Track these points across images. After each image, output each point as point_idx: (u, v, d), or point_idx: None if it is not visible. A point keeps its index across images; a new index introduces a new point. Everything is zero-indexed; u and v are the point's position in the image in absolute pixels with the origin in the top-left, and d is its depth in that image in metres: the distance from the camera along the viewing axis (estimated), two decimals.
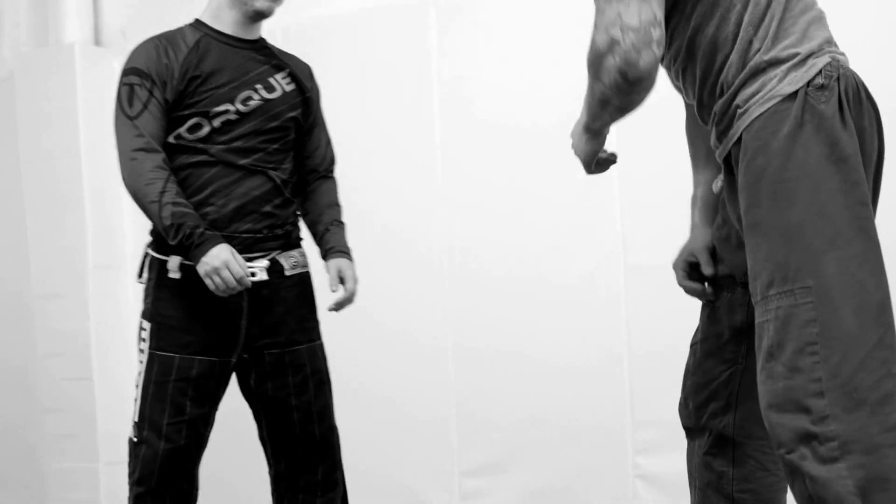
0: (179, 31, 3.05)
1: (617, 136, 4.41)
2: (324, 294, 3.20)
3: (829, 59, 2.10)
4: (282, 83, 3.05)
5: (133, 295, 5.46)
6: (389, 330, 4.90)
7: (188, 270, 2.90)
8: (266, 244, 3.00)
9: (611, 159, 2.43)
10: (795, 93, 2.07)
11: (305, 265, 3.12)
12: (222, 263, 2.78)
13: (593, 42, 2.08)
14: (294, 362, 3.06)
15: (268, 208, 2.99)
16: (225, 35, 3.01)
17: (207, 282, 2.81)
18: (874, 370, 1.98)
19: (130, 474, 2.98)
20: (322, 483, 3.12)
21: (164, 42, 2.98)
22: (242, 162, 2.94)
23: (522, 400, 4.65)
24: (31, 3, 5.91)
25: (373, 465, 4.83)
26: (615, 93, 2.08)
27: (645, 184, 4.45)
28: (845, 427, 1.97)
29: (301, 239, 3.15)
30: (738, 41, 2.14)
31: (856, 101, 2.10)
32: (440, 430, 4.80)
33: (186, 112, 2.91)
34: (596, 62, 2.08)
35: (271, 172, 3.00)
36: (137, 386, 2.95)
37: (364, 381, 4.88)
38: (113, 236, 5.60)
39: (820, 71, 2.08)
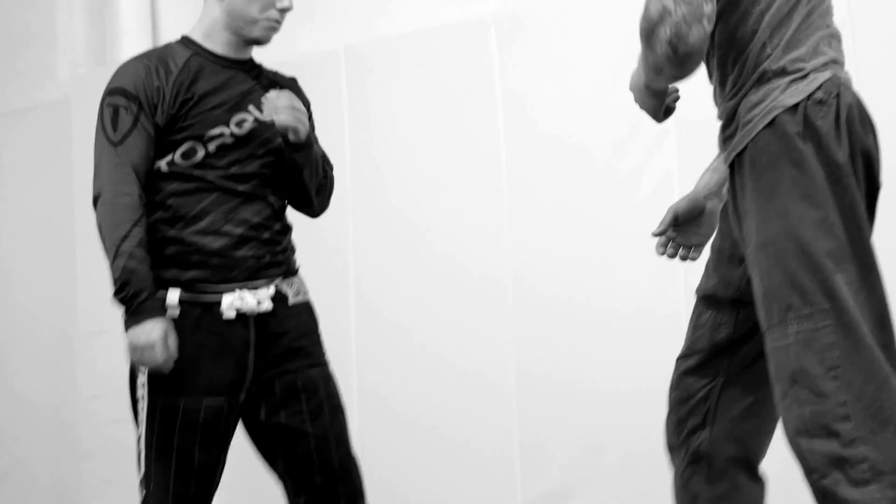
0: (168, 48, 2.94)
1: (678, 157, 4.36)
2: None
3: (831, 75, 2.17)
4: None
5: None
6: (451, 355, 4.79)
7: (187, 305, 2.77)
8: (269, 271, 2.87)
9: (677, 98, 2.46)
10: (796, 105, 2.14)
11: (307, 292, 3.00)
12: (147, 343, 2.66)
13: (647, 9, 2.13)
14: (307, 387, 2.90)
15: (267, 235, 2.87)
16: (216, 55, 2.89)
17: (129, 353, 2.71)
18: (895, 384, 2.05)
19: None
20: None
21: (153, 61, 2.85)
22: (241, 188, 2.82)
23: (586, 427, 4.55)
24: (88, 23, 5.86)
25: (435, 495, 4.72)
26: (666, 63, 2.13)
27: None
28: (874, 448, 2.02)
29: (298, 267, 3.02)
30: (755, 40, 2.20)
31: (860, 119, 2.17)
32: (503, 458, 4.68)
33: (179, 136, 2.79)
34: (648, 31, 2.13)
35: (270, 198, 2.90)
36: (140, 438, 2.78)
37: (424, 408, 4.78)
38: None
39: (820, 86, 2.16)
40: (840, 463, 2.04)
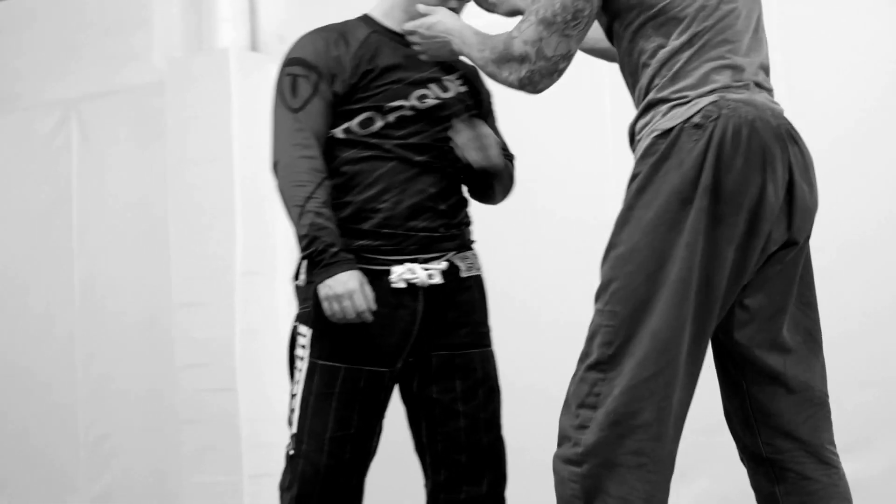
0: (347, 24, 2.93)
1: None
2: (494, 300, 3.07)
3: (715, 99, 2.26)
4: (455, 84, 2.93)
5: (285, 302, 5.38)
6: (567, 334, 4.75)
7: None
8: (442, 244, 2.84)
9: None
10: (671, 129, 2.26)
11: (479, 268, 2.96)
12: (346, 292, 2.64)
13: (512, 41, 2.37)
14: (464, 366, 2.86)
15: (443, 206, 2.84)
16: (396, 34, 2.88)
17: (324, 305, 2.67)
18: (643, 398, 2.22)
19: (286, 489, 2.80)
20: (486, 496, 2.89)
21: (333, 34, 2.87)
22: (419, 158, 2.80)
23: (706, 404, 4.48)
24: (184, 8, 5.91)
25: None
26: (504, 83, 2.42)
27: None
28: (596, 440, 2.24)
29: (473, 241, 2.98)
30: (646, 73, 2.34)
31: (745, 143, 2.24)
32: None
33: (357, 106, 2.79)
34: (505, 57, 2.39)
35: (448, 169, 2.87)
36: (294, 395, 2.77)
37: (544, 385, 4.73)
38: (264, 242, 5.53)
39: (700, 110, 2.25)
40: (566, 439, 2.31)
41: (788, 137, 2.34)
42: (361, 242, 2.76)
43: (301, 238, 2.70)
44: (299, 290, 2.83)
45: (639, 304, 2.25)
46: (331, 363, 2.73)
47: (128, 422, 5.94)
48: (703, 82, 2.30)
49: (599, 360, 2.28)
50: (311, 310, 2.77)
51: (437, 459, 2.88)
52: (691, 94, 2.29)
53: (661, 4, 2.33)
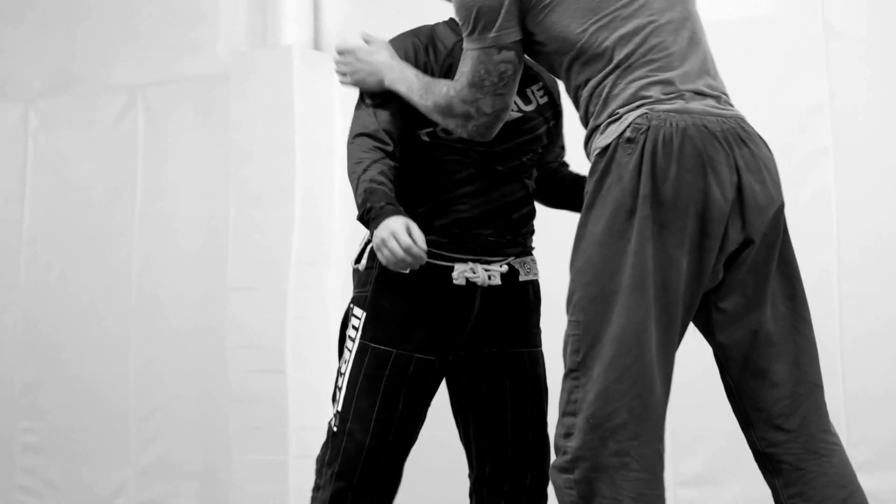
0: (435, 29, 2.94)
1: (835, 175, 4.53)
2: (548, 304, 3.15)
3: (644, 112, 2.37)
4: (536, 95, 2.95)
5: (336, 291, 5.62)
6: None
7: (424, 265, 2.74)
8: (506, 249, 2.90)
9: None
10: (608, 146, 2.38)
11: (537, 273, 3.01)
12: (389, 234, 2.59)
13: (451, 99, 2.58)
14: (514, 364, 2.92)
15: (516, 215, 2.91)
16: None
17: (379, 256, 2.64)
18: (615, 400, 2.33)
19: (326, 463, 2.85)
20: (530, 490, 2.91)
21: (422, 39, 2.89)
22: (500, 168, 2.85)
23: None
24: (249, 4, 6.09)
25: None
26: (452, 132, 2.64)
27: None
28: (580, 445, 2.36)
29: (534, 248, 3.04)
30: (583, 105, 2.49)
31: (678, 150, 2.34)
32: None
33: None
34: (449, 112, 2.61)
35: (526, 180, 2.94)
36: (342, 374, 2.83)
37: None
38: (320, 234, 5.73)
39: (629, 124, 2.36)
40: (558, 449, 2.43)
41: (735, 139, 2.41)
42: (431, 237, 2.79)
43: (359, 207, 2.72)
44: (358, 275, 2.90)
45: (598, 311, 2.37)
46: (383, 347, 2.79)
47: (179, 399, 6.13)
48: (632, 99, 2.40)
49: (572, 369, 2.40)
50: (368, 294, 2.84)
51: (483, 453, 2.93)
52: (622, 111, 2.40)
53: (580, 44, 2.45)
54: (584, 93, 2.48)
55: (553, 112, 3.02)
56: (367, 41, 2.84)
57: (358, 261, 2.89)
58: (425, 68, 2.83)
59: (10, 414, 6.58)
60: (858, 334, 4.70)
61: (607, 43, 2.43)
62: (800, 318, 2.53)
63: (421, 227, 2.69)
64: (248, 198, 5.75)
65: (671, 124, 2.36)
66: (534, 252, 3.02)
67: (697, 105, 2.42)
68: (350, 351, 2.83)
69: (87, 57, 6.69)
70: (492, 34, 2.50)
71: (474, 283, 2.83)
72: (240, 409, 5.65)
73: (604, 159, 2.39)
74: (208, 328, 6.02)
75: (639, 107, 2.39)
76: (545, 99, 2.96)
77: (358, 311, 2.83)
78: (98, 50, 6.65)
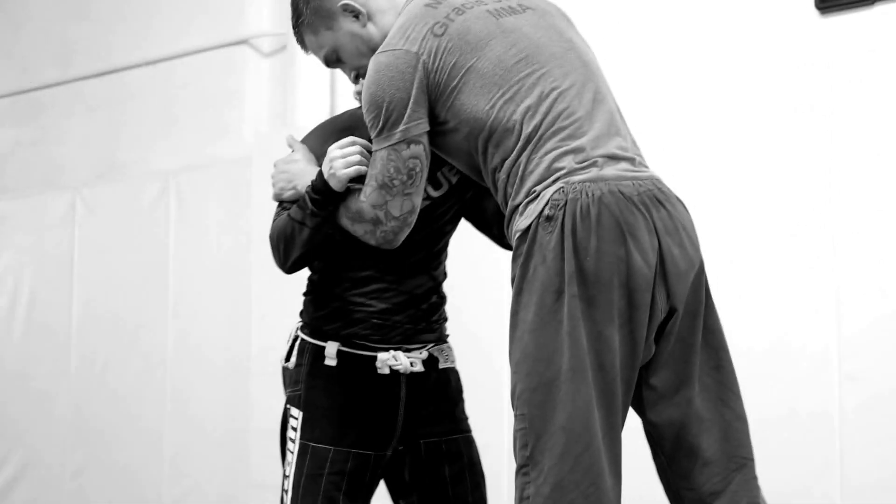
0: (354, 114, 2.91)
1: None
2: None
3: (561, 187, 2.30)
4: (448, 176, 2.90)
5: None
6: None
7: (345, 358, 2.82)
8: (423, 336, 2.90)
9: None
10: (528, 228, 2.32)
11: (454, 361, 3.01)
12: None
13: (361, 205, 2.53)
14: (451, 452, 2.93)
15: (425, 305, 2.90)
16: None
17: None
18: (570, 491, 2.24)
19: None
20: None
21: (338, 127, 2.89)
22: (410, 259, 2.85)
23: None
24: (271, 84, 6.17)
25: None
26: (360, 238, 2.58)
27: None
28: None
29: (448, 335, 3.03)
30: (501, 188, 2.42)
31: (596, 221, 2.28)
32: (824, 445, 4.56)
33: None
34: (357, 218, 2.55)
35: (434, 271, 2.93)
36: (287, 476, 2.85)
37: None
38: None
39: (547, 202, 2.30)
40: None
41: (652, 202, 2.35)
42: (352, 329, 2.83)
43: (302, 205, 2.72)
44: (289, 373, 2.92)
45: (541, 401, 2.29)
46: (321, 445, 2.81)
47: (207, 484, 6.24)
48: (546, 174, 2.34)
49: (522, 464, 2.32)
50: (301, 393, 2.86)
51: None
52: (539, 188, 2.33)
53: (490, 121, 2.40)
54: (502, 175, 2.42)
55: (465, 192, 2.96)
56: (290, 146, 2.79)
57: (287, 359, 2.91)
58: None
59: (59, 499, 6.75)
60: None
61: (515, 116, 2.39)
62: (727, 390, 2.45)
63: (341, 320, 2.82)
64: (270, 272, 5.70)
65: (587, 195, 2.30)
66: (449, 340, 3.03)
67: (611, 170, 2.36)
68: (292, 453, 2.85)
69: (130, 144, 6.91)
70: (400, 128, 2.44)
71: (398, 372, 2.85)
72: (262, 440, 5.64)
73: (526, 241, 2.34)
74: (237, 387, 6.11)
75: (554, 181, 2.33)
76: (456, 177, 2.91)
77: (295, 412, 2.86)
78: (139, 136, 6.88)
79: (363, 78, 2.59)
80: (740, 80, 4.69)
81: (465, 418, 3.00)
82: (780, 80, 4.58)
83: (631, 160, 2.42)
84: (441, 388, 2.95)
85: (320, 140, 2.80)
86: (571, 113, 2.40)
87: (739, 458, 2.42)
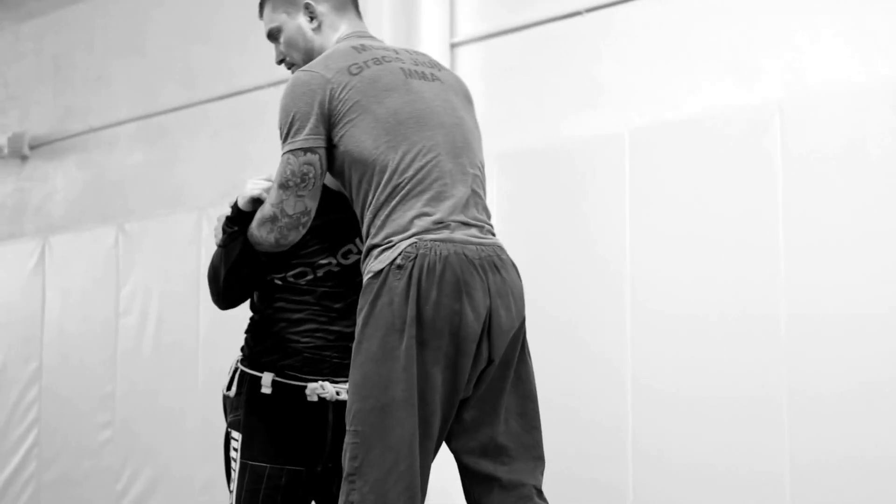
0: None
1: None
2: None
3: (414, 241, 2.65)
4: (357, 244, 3.20)
5: None
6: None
7: (278, 386, 3.12)
8: (349, 370, 3.19)
9: None
10: (381, 271, 2.66)
11: None
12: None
13: (264, 206, 2.86)
14: None
15: (350, 343, 3.11)
16: (330, 190, 3.11)
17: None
18: (391, 501, 2.61)
19: None
20: None
21: None
22: (337, 306, 3.14)
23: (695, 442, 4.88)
24: None
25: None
26: (265, 244, 2.88)
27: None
28: None
29: None
30: (364, 223, 2.77)
31: (439, 276, 2.64)
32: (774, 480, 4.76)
33: (294, 260, 3.12)
34: (262, 219, 2.85)
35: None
36: (231, 492, 3.18)
37: (697, 436, 4.94)
38: None
39: (400, 253, 2.65)
40: None
41: (490, 266, 2.73)
42: (287, 362, 3.14)
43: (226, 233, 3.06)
44: (230, 400, 3.21)
45: (374, 422, 2.65)
46: (258, 463, 3.12)
47: None
48: (405, 228, 2.69)
49: (350, 473, 2.68)
50: (240, 417, 3.17)
51: None
52: (395, 238, 2.68)
53: (369, 160, 2.73)
54: (368, 213, 2.76)
55: None
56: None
57: (228, 388, 3.22)
58: None
59: None
60: None
61: (392, 164, 2.73)
62: (528, 435, 2.85)
63: (276, 353, 3.14)
64: None
65: (436, 252, 2.66)
66: None
67: (461, 234, 2.72)
68: (235, 471, 3.17)
69: (252, 163, 6.97)
70: (300, 137, 2.77)
71: (325, 399, 3.14)
72: None
73: (377, 282, 2.68)
74: None
75: (410, 236, 2.68)
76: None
77: (235, 434, 3.18)
78: (261, 156, 6.91)
79: (285, 64, 3.08)
80: None
81: None
82: None
83: (480, 227, 2.78)
84: None
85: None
86: (439, 178, 2.75)
87: (530, 486, 2.82)
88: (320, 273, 3.15)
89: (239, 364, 3.22)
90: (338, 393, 3.15)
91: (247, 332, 3.22)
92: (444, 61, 5.72)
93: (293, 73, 2.96)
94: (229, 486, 3.20)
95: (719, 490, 4.84)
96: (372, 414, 2.65)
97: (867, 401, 4.49)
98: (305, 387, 3.14)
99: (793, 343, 4.70)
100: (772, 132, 4.82)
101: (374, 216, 2.74)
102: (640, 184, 5.20)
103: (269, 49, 7.41)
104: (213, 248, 7.31)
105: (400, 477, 2.63)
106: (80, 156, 8.24)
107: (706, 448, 4.89)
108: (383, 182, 2.73)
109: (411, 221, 2.70)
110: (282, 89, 6.80)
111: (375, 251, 2.72)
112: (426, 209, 2.72)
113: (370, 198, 2.75)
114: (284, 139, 2.82)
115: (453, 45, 5.98)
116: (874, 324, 4.51)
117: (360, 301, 2.74)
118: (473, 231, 2.76)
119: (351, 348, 3.08)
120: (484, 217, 2.83)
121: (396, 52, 2.92)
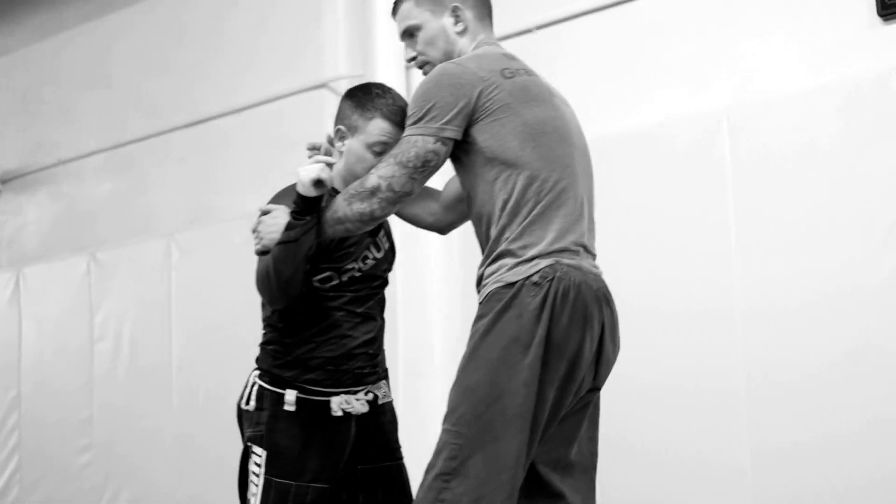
0: None
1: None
2: None
3: (552, 262, 2.68)
4: (382, 242, 3.32)
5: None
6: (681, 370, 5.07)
7: (302, 403, 3.15)
8: (368, 379, 3.26)
9: None
10: (514, 283, 2.67)
11: (390, 394, 3.39)
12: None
13: (368, 177, 2.79)
14: (385, 478, 3.29)
15: (372, 350, 3.27)
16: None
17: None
18: None
19: None
20: None
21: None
22: (360, 310, 3.22)
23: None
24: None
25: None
26: (354, 219, 2.81)
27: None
28: None
29: (387, 369, 3.39)
30: (498, 224, 2.74)
31: (571, 303, 2.66)
32: (735, 467, 4.88)
33: (323, 265, 3.14)
34: (359, 192, 2.78)
35: (378, 318, 3.32)
36: (254, 495, 3.16)
37: (656, 424, 5.02)
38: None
39: (538, 271, 2.66)
40: None
41: (604, 300, 2.78)
42: (310, 376, 3.17)
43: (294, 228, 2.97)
44: (249, 415, 3.24)
45: (482, 429, 2.65)
46: (283, 481, 3.13)
47: None
48: (545, 245, 2.70)
49: (445, 472, 2.66)
50: (263, 433, 3.18)
51: None
52: (533, 253, 2.70)
53: (514, 159, 2.73)
54: (503, 214, 2.74)
55: (393, 254, 3.40)
56: (265, 212, 3.09)
57: (247, 402, 3.25)
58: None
59: None
60: None
61: (537, 172, 2.74)
62: (591, 457, 2.92)
63: (298, 368, 3.18)
64: None
65: (570, 279, 2.68)
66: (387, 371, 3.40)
67: (586, 263, 2.77)
68: (256, 486, 3.17)
69: (219, 189, 7.20)
70: (437, 125, 2.74)
71: (349, 413, 3.19)
72: None
73: (509, 293, 2.68)
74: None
75: (549, 255, 2.69)
76: (387, 244, 3.36)
77: (258, 450, 3.18)
78: (228, 181, 7.15)
79: (416, 62, 3.01)
80: None
81: (399, 447, 3.37)
82: None
83: (594, 257, 2.86)
84: (380, 421, 3.30)
85: (291, 197, 3.05)
86: (574, 197, 2.79)
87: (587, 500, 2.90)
88: (345, 278, 3.18)
89: (258, 380, 3.21)
90: (362, 406, 3.20)
91: (266, 343, 3.23)
92: (399, 81, 5.89)
93: (425, 71, 2.97)
94: (248, 500, 3.19)
95: (682, 476, 4.97)
96: (481, 420, 2.65)
97: (819, 386, 4.64)
98: (328, 401, 3.17)
99: (748, 335, 4.83)
100: (721, 138, 4.96)
101: (511, 219, 2.72)
102: (598, 191, 5.33)
103: (230, 77, 7.50)
104: (185, 273, 7.36)
105: (500, 487, 2.63)
106: (50, 188, 8.39)
107: (669, 436, 5.02)
108: (526, 187, 2.72)
109: (552, 240, 2.72)
110: (244, 116, 7.05)
111: (509, 260, 2.72)
112: (564, 228, 2.74)
113: (509, 198, 2.73)
114: (417, 121, 2.76)
115: (409, 65, 6.10)
116: (821, 314, 4.66)
117: (483, 307, 2.73)
118: (591, 261, 2.83)
119: (371, 354, 3.21)
120: (594, 248, 2.88)
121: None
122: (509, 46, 5.78)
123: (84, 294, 7.76)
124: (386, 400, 3.34)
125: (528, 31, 5.69)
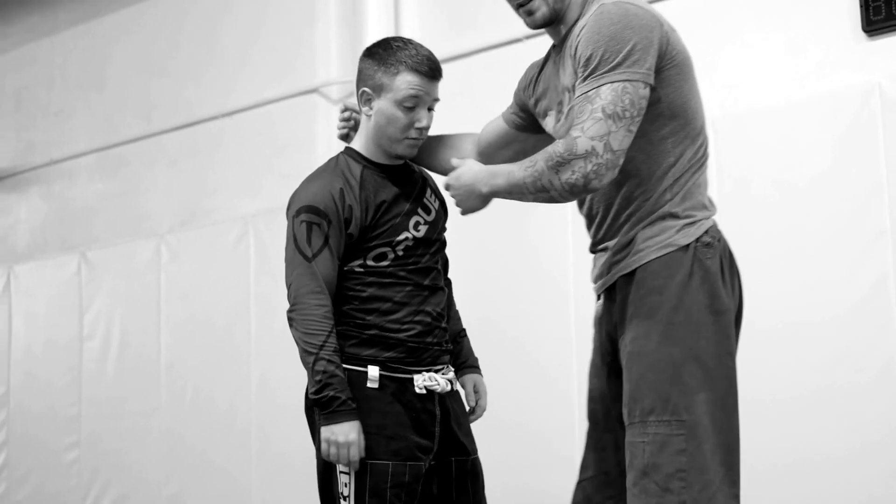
0: (339, 162, 3.06)
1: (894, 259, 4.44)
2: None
3: (712, 224, 2.51)
4: (431, 202, 3.13)
5: None
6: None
7: (384, 380, 2.96)
8: (445, 356, 3.10)
9: None
10: (688, 245, 2.44)
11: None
12: (346, 442, 2.87)
13: (575, 140, 2.36)
14: (473, 471, 3.13)
15: (444, 323, 3.11)
16: (380, 165, 3.05)
17: (323, 446, 2.91)
18: (720, 500, 2.37)
19: None
20: None
21: (339, 180, 3.01)
22: (426, 282, 3.04)
23: None
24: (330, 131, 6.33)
25: None
26: (562, 190, 2.40)
27: None
28: None
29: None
30: (660, 186, 2.49)
31: (731, 261, 2.52)
32: None
33: (371, 243, 2.99)
34: (566, 158, 2.36)
35: (443, 289, 3.14)
36: (346, 497, 2.97)
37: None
38: None
39: (707, 231, 2.48)
40: None
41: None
42: (389, 354, 2.98)
43: (314, 382, 2.90)
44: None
45: (713, 415, 2.39)
46: (379, 461, 2.93)
47: (290, 466, 6.47)
48: (703, 206, 2.53)
49: (680, 468, 2.37)
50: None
51: None
52: (698, 214, 2.50)
53: (689, 118, 2.51)
54: (668, 174, 2.49)
55: (445, 212, 3.19)
56: (455, 167, 2.75)
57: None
58: (349, 209, 2.96)
59: None
60: None
61: (701, 132, 2.55)
62: None
63: (377, 345, 2.97)
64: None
65: (725, 238, 2.56)
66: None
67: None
68: (347, 474, 2.96)
69: (210, 191, 7.29)
70: (643, 69, 2.39)
71: (433, 391, 3.02)
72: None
73: (685, 256, 2.45)
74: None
75: (710, 217, 2.54)
76: (437, 202, 3.15)
77: (343, 467, 2.97)
78: (218, 184, 7.24)
79: (524, 9, 2.63)
80: None
81: (473, 438, 3.18)
82: None
83: None
84: (459, 408, 3.13)
85: (328, 173, 3.00)
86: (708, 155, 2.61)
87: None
88: (400, 251, 3.00)
89: None
90: (447, 384, 3.03)
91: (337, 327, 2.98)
92: None
93: (534, 19, 2.65)
94: (339, 488, 2.98)
95: None
96: (713, 405, 2.40)
97: (806, 404, 4.68)
98: (411, 378, 2.99)
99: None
100: None
101: (676, 180, 2.50)
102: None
103: (223, 80, 7.52)
104: (174, 273, 7.30)
105: (733, 466, 2.43)
106: (42, 187, 8.47)
107: None
108: (695, 148, 2.52)
109: (704, 198, 2.55)
110: (236, 119, 7.12)
111: (674, 222, 2.48)
112: (707, 186, 2.59)
113: (677, 158, 2.50)
114: (616, 66, 2.38)
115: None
116: (807, 331, 4.71)
117: (664, 272, 2.46)
118: None
119: (444, 329, 3.03)
120: None
121: None
122: (497, 56, 6.01)
123: (74, 292, 7.85)
124: (458, 387, 3.18)
125: (517, 40, 5.74)
